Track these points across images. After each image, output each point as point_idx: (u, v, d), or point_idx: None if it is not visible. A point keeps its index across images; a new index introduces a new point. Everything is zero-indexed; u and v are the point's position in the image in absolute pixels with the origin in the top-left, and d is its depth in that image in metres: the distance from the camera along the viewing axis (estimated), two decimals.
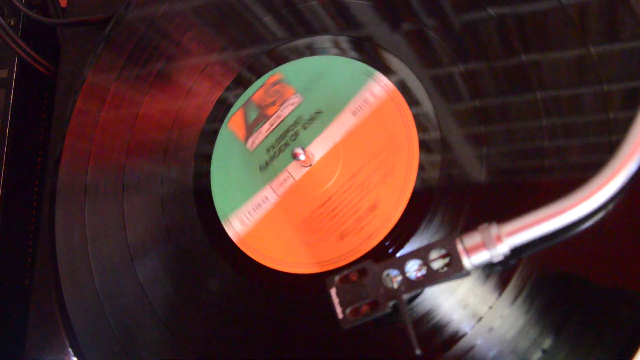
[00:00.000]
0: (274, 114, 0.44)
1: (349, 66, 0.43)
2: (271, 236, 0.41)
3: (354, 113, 0.41)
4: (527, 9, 0.39)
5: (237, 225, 0.43)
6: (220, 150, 0.45)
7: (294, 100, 0.43)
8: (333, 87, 0.43)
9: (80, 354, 0.44)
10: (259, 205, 0.43)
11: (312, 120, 0.43)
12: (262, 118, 0.44)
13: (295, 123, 0.43)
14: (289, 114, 0.44)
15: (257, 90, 0.45)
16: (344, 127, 0.42)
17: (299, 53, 0.45)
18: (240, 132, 0.45)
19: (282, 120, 0.44)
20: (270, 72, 0.45)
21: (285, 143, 0.43)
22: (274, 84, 0.45)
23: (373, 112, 0.41)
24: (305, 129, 0.43)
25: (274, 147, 0.43)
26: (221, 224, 0.43)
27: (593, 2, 0.37)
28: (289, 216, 0.41)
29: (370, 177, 0.40)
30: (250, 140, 0.44)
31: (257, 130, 0.44)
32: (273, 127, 0.44)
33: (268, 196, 0.42)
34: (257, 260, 0.41)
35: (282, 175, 0.42)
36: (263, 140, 0.44)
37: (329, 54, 0.44)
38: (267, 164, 0.43)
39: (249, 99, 0.45)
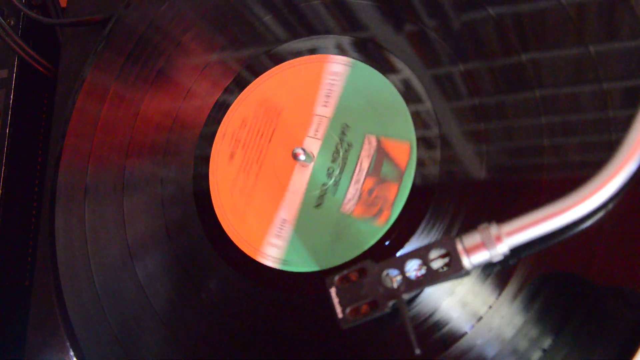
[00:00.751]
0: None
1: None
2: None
3: None
4: (526, 8, 0.38)
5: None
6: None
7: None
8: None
9: (80, 354, 0.44)
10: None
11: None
12: None
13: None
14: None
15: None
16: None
17: (300, 53, 0.45)
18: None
19: None
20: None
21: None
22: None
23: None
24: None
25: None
26: (221, 224, 0.43)
27: (592, 1, 0.37)
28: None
29: None
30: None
31: None
32: None
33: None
34: (256, 260, 0.41)
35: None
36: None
37: (330, 55, 0.44)
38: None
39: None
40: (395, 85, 0.41)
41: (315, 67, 0.44)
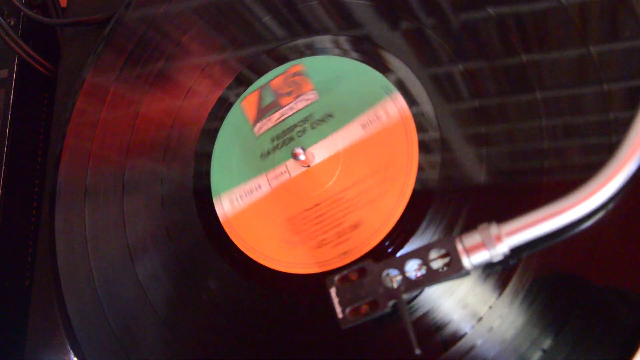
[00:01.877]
0: (287, 104, 0.44)
1: (369, 76, 0.42)
2: (255, 225, 0.42)
3: (364, 126, 0.41)
4: (527, 8, 0.38)
5: (226, 205, 0.43)
6: (228, 127, 0.45)
7: (310, 96, 0.43)
8: (350, 94, 0.43)
9: (80, 354, 0.44)
10: (251, 191, 0.43)
11: (322, 122, 0.43)
12: (275, 106, 0.44)
13: (305, 120, 0.43)
14: (302, 109, 0.43)
15: (277, 76, 0.45)
16: (350, 138, 0.41)
17: (299, 53, 0.45)
18: (251, 114, 0.45)
19: (293, 114, 0.44)
20: (295, 62, 0.45)
21: (291, 137, 0.43)
22: (295, 74, 0.44)
23: (382, 130, 0.41)
24: (313, 128, 0.43)
25: (278, 139, 0.43)
26: (221, 224, 0.43)
27: (593, 2, 0.37)
28: (277, 210, 0.42)
29: (362, 195, 0.39)
30: (258, 125, 0.44)
31: (268, 117, 0.44)
32: (283, 117, 0.44)
33: (262, 185, 0.43)
34: (256, 260, 0.41)
35: (280, 169, 0.43)
36: (270, 129, 0.44)
37: (330, 54, 0.44)
38: (268, 153, 0.43)
39: (268, 83, 0.45)
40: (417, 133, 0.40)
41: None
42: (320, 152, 0.42)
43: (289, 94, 0.44)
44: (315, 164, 0.42)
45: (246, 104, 0.45)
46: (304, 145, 0.42)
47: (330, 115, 0.42)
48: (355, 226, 0.39)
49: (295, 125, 0.43)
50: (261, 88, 0.45)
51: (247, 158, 0.44)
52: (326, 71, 0.44)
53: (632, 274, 0.32)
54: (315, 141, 0.42)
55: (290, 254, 0.40)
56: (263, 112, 0.44)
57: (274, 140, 0.43)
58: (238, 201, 0.43)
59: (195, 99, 0.47)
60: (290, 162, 0.42)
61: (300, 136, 0.43)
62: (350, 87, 0.43)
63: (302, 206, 0.41)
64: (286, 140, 0.43)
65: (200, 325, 0.41)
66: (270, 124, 0.44)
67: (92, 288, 0.44)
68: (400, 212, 0.38)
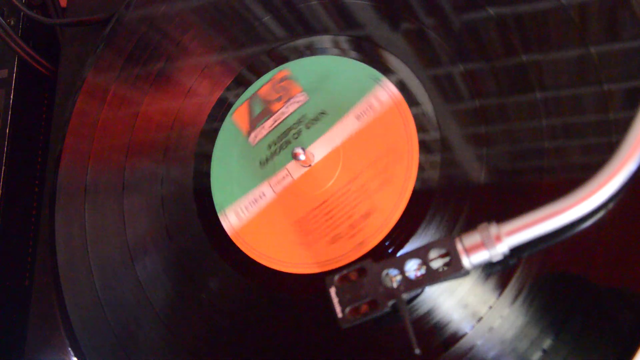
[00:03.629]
0: (278, 110, 0.44)
1: (356, 69, 0.43)
2: (265, 233, 0.42)
3: (358, 117, 0.41)
4: (527, 8, 0.38)
5: (232, 218, 0.43)
6: (222, 142, 0.45)
7: (300, 98, 0.43)
8: (339, 89, 0.43)
9: (80, 354, 0.44)
10: (256, 200, 0.43)
11: (316, 121, 0.43)
12: (267, 113, 0.44)
13: (299, 122, 0.43)
14: (294, 112, 0.44)
15: (264, 84, 0.45)
16: (347, 131, 0.42)
17: (299, 53, 0.45)
18: (244, 125, 0.45)
19: (286, 118, 0.44)
20: (279, 68, 0.45)
21: (287, 141, 0.43)
22: (282, 80, 0.45)
23: (377, 118, 0.41)
24: (308, 128, 0.43)
25: (275, 144, 0.43)
26: (221, 223, 0.43)
27: (593, 2, 0.37)
28: (285, 214, 0.41)
29: (368, 184, 0.40)
30: (252, 135, 0.44)
31: (261, 125, 0.44)
32: (276, 123, 0.44)
33: (265, 192, 0.42)
34: (256, 260, 0.41)
35: (281, 173, 0.43)
36: (265, 136, 0.44)
37: (330, 54, 0.44)
38: (267, 160, 0.43)
39: (255, 92, 0.45)
40: (417, 133, 0.40)
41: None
42: (319, 150, 0.42)
43: (278, 99, 0.44)
44: (316, 162, 0.42)
45: (237, 116, 0.45)
46: (302, 146, 0.42)
47: (323, 113, 0.43)
48: (366, 215, 0.39)
49: (290, 129, 0.43)
50: (250, 99, 0.45)
51: (247, 168, 0.44)
52: (313, 72, 0.44)
53: (632, 274, 0.32)
54: (312, 140, 0.42)
55: (305, 254, 0.40)
56: (255, 121, 0.45)
57: (270, 147, 0.43)
58: (244, 212, 0.43)
59: (195, 99, 0.47)
60: (291, 165, 0.42)
61: (296, 138, 0.43)
62: (338, 82, 0.43)
63: (309, 205, 0.41)
64: (283, 145, 0.43)
65: (200, 325, 0.41)
66: (264, 132, 0.44)
67: (92, 288, 0.44)
68: (400, 211, 0.38)
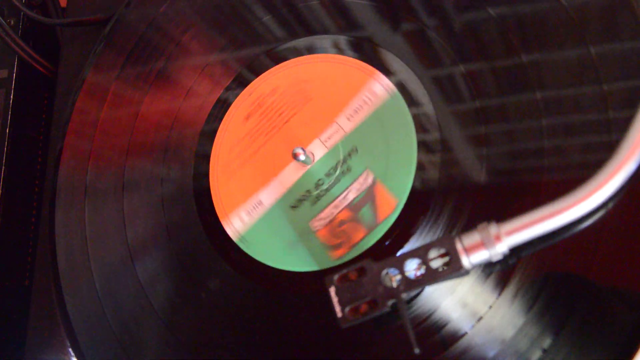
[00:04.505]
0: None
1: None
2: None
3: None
4: (527, 9, 0.38)
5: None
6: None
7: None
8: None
9: (80, 354, 0.44)
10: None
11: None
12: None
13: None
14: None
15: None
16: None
17: (298, 52, 0.45)
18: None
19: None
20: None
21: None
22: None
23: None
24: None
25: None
26: (221, 223, 0.43)
27: (593, 2, 0.37)
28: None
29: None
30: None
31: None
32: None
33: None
34: (256, 259, 0.41)
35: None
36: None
37: (330, 54, 0.44)
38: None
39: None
40: (417, 134, 0.39)
41: (361, 77, 0.42)
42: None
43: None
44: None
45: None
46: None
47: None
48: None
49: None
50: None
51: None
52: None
53: (632, 274, 0.32)
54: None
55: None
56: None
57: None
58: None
59: (195, 99, 0.47)
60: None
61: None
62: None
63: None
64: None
65: (200, 325, 0.41)
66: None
67: (92, 288, 0.44)
68: (400, 211, 0.38)
